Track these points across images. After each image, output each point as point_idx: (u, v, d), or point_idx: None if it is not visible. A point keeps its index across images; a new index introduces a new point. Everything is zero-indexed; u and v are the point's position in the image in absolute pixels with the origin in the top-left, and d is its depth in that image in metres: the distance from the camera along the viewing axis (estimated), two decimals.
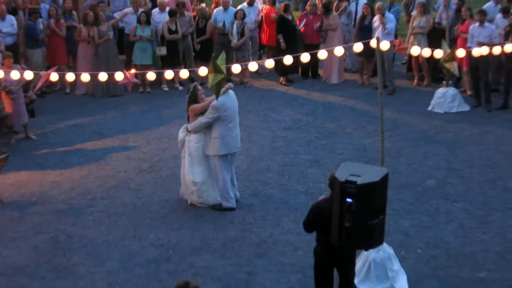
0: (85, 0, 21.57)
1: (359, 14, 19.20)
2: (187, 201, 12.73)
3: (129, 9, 19.51)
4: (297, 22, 19.66)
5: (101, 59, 18.64)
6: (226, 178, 12.23)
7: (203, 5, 20.32)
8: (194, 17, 19.76)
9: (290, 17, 19.57)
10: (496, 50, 13.69)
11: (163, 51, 19.09)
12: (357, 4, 19.73)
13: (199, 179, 12.31)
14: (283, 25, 19.33)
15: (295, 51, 17.56)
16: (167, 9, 19.61)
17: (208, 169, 12.34)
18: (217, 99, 11.08)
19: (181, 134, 12.43)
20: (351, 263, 9.05)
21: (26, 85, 16.22)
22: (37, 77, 13.67)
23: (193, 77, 18.91)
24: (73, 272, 10.63)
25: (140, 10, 19.47)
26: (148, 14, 19.17)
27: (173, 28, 19.13)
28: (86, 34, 18.74)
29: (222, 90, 11.31)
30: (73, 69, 18.87)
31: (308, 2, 19.98)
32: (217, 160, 12.17)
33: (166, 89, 19.26)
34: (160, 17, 19.59)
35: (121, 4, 20.36)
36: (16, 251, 11.24)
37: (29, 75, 13.44)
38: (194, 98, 12.11)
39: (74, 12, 19.86)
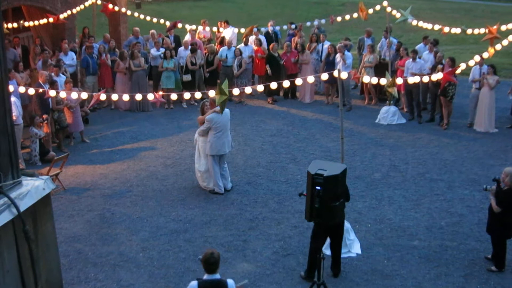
0: (124, 41, 21.69)
1: (325, 52, 19.18)
2: (199, 187, 12.79)
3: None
4: (281, 57, 19.66)
5: (135, 84, 18.57)
6: (215, 171, 12.46)
7: (212, 44, 20.33)
8: (205, 53, 19.76)
9: (276, 54, 19.60)
10: (425, 79, 13.70)
11: (188, 77, 19.14)
12: (323, 45, 19.70)
13: (202, 168, 12.64)
14: (270, 60, 19.36)
15: (279, 78, 17.58)
16: (189, 47, 19.65)
17: None
18: (221, 113, 11.20)
19: (195, 136, 12.77)
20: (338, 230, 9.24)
21: (82, 102, 16.18)
22: (90, 96, 13.69)
23: (204, 98, 18.92)
24: (115, 239, 10.63)
25: (164, 49, 19.53)
26: (171, 51, 19.17)
27: (194, 61, 19.16)
28: (123, 66, 18.69)
29: (215, 108, 11.96)
30: (116, 91, 18.78)
31: (285, 44, 20.06)
32: (209, 158, 12.44)
33: (185, 106, 19.19)
34: (184, 53, 19.56)
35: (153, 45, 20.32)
36: (74, 224, 11.23)
37: (84, 95, 13.43)
38: (202, 111, 12.66)
39: (117, 50, 19.80)
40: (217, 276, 6.58)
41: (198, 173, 12.76)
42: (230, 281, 6.64)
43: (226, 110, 12.28)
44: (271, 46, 19.84)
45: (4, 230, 2.13)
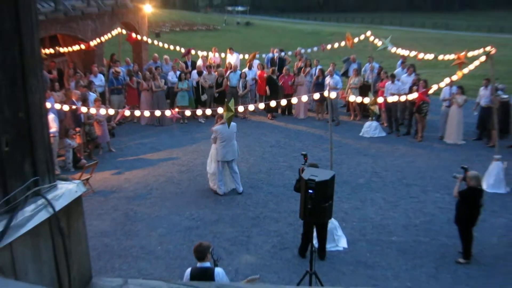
0: (144, 65, 21.74)
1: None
2: (209, 191, 12.78)
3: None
4: (279, 80, 19.69)
5: (155, 102, 18.61)
6: (218, 175, 12.51)
7: (221, 69, 20.33)
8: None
9: (274, 76, 19.64)
10: (402, 98, 13.72)
11: (205, 97, 19.21)
12: (316, 69, 19.75)
13: (211, 171, 12.71)
14: (270, 81, 19.41)
15: (277, 98, 17.62)
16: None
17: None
18: (228, 126, 11.18)
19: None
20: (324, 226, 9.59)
21: (109, 118, 16.22)
22: (116, 112, 13.71)
23: (214, 114, 18.94)
24: (137, 235, 10.63)
25: (180, 72, 19.58)
26: (185, 74, 19.21)
27: (204, 81, 19.21)
28: (146, 86, 18.73)
29: (221, 121, 11.98)
30: (141, 108, 18.80)
31: (284, 68, 20.06)
32: (216, 163, 12.47)
33: (202, 121, 19.18)
34: (196, 76, 19.60)
35: (169, 68, 20.38)
36: (102, 221, 11.22)
37: (111, 111, 13.47)
38: (216, 121, 12.59)
39: (139, 73, 19.85)
40: (207, 264, 6.55)
41: (208, 176, 12.86)
42: (218, 269, 6.52)
43: (233, 124, 12.30)
44: (270, 70, 19.88)
45: (41, 226, 2.16)
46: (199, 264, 6.57)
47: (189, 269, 6.60)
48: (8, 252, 2.14)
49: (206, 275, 6.42)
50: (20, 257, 2.20)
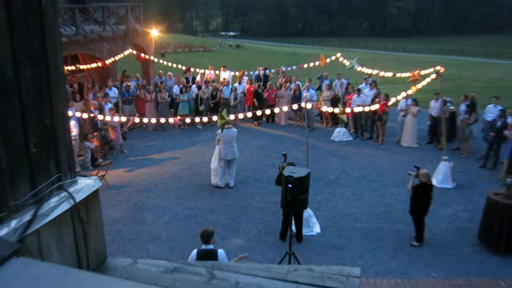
0: (151, 80, 21.62)
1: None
2: (206, 185, 12.70)
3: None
4: (264, 93, 19.68)
5: (160, 112, 18.50)
6: (219, 170, 12.47)
7: (215, 83, 20.28)
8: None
9: (260, 90, 19.62)
10: (366, 109, 13.78)
11: (202, 107, 19.11)
12: (294, 83, 19.75)
13: (213, 167, 12.62)
14: (256, 94, 19.39)
15: (262, 108, 17.61)
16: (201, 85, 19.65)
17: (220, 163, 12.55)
18: (221, 131, 11.19)
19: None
20: (300, 215, 9.59)
21: (122, 124, 16.13)
22: (127, 120, 13.63)
23: (209, 121, 18.89)
24: (145, 222, 10.58)
25: (181, 85, 19.49)
26: (186, 88, 19.13)
27: (203, 94, 19.14)
28: (150, 98, 18.59)
29: (225, 126, 11.69)
30: (146, 116, 18.67)
31: (268, 83, 20.05)
32: (219, 160, 12.40)
33: (199, 127, 19.11)
34: (195, 89, 19.53)
35: (172, 82, 20.30)
36: (115, 211, 11.16)
37: (123, 119, 13.38)
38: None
39: (147, 86, 19.75)
40: (211, 246, 6.57)
41: (211, 170, 12.80)
42: (220, 251, 6.53)
43: (234, 130, 12.55)
44: (256, 85, 19.88)
45: (64, 215, 2.16)
46: (204, 246, 6.58)
47: (195, 250, 6.58)
48: (36, 237, 2.14)
49: (211, 255, 6.45)
50: (45, 241, 2.20)
